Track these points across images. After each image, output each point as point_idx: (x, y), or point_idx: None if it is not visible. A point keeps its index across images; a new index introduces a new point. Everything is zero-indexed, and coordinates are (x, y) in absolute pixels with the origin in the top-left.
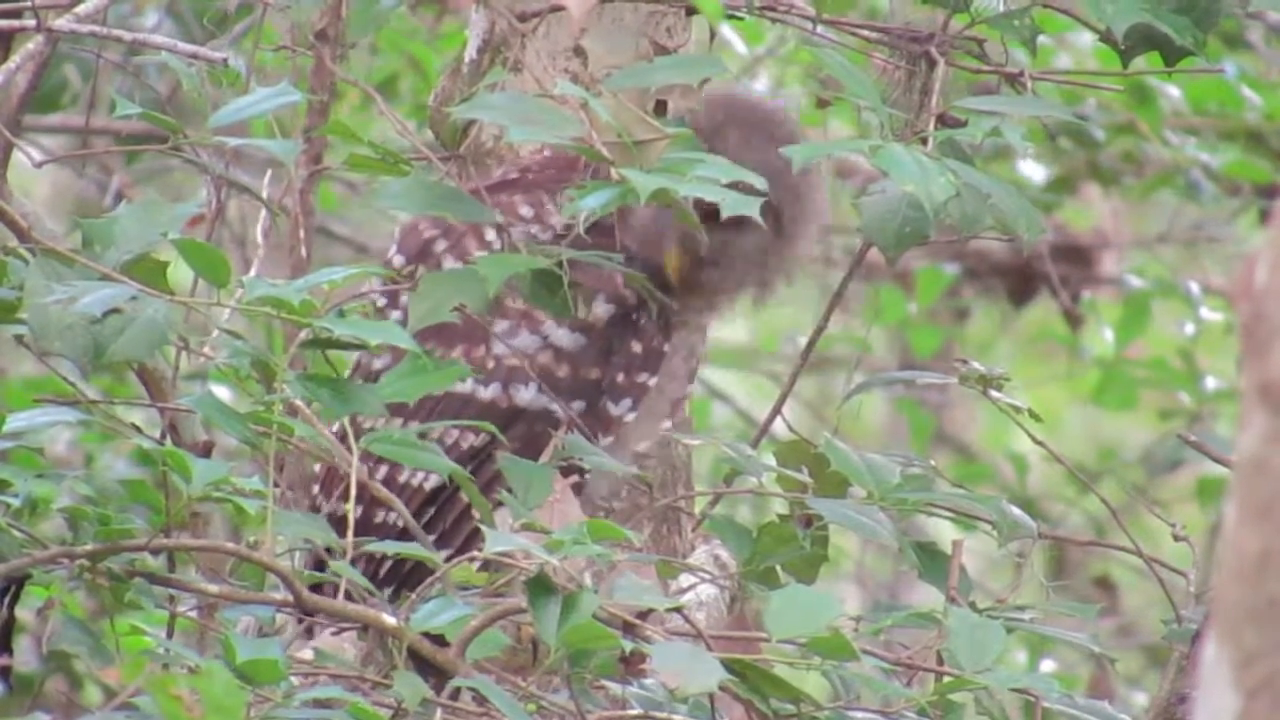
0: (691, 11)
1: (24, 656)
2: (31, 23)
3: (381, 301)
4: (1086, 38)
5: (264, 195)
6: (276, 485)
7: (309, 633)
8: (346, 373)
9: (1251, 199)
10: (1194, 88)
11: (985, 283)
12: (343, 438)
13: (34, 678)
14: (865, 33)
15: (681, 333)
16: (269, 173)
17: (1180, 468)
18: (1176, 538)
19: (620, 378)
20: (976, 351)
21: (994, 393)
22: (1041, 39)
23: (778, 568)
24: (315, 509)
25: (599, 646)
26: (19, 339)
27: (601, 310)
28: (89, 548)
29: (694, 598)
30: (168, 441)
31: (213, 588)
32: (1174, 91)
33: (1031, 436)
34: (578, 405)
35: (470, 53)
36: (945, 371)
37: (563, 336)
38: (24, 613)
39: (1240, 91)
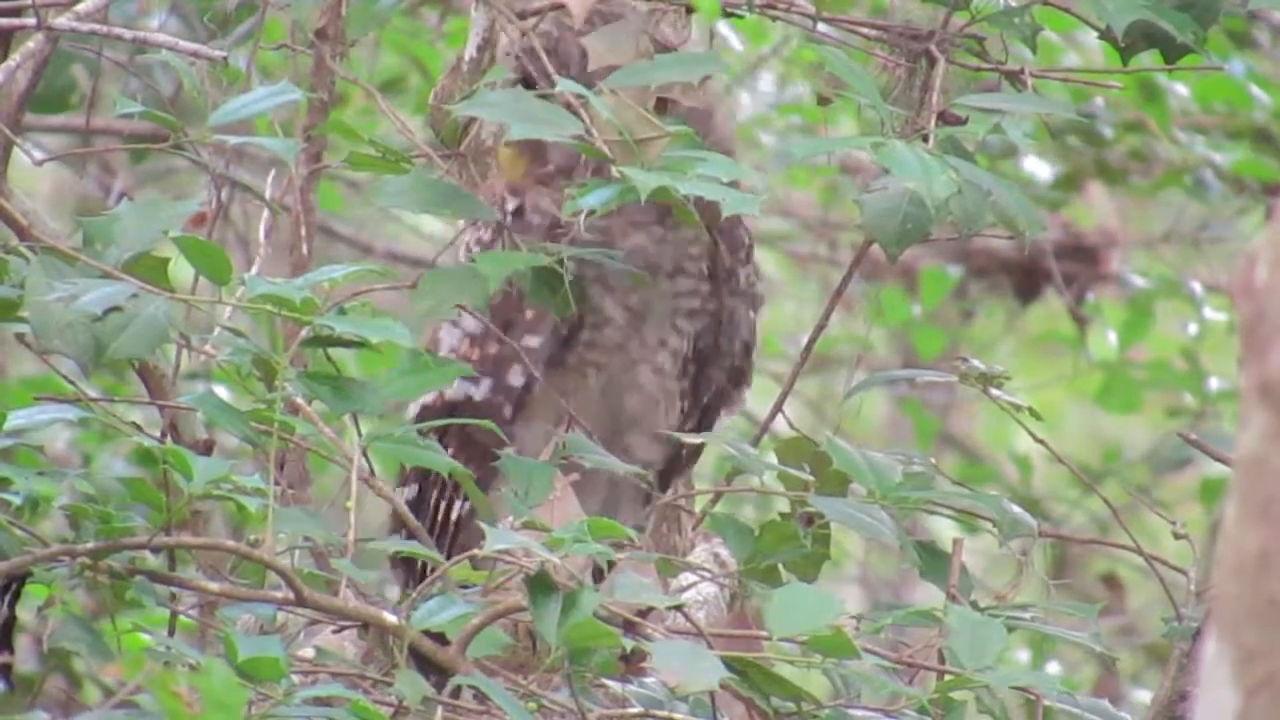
0: (692, 10)
1: (23, 656)
2: (32, 21)
3: None
4: (1095, 36)
5: (266, 194)
6: (277, 483)
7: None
8: None
9: (1259, 197)
10: (1201, 86)
11: (992, 280)
12: None
13: (34, 677)
14: (866, 30)
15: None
16: (273, 171)
17: (1187, 467)
18: (1177, 535)
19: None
20: (980, 351)
21: (994, 391)
22: (1050, 38)
23: (778, 566)
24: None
25: (600, 645)
26: (20, 337)
27: None
28: (90, 546)
29: (695, 595)
30: (168, 440)
31: (213, 586)
32: (1181, 89)
33: (1033, 435)
34: (485, 384)
35: (470, 51)
36: (948, 372)
37: (468, 320)
38: (24, 612)
39: (1248, 90)
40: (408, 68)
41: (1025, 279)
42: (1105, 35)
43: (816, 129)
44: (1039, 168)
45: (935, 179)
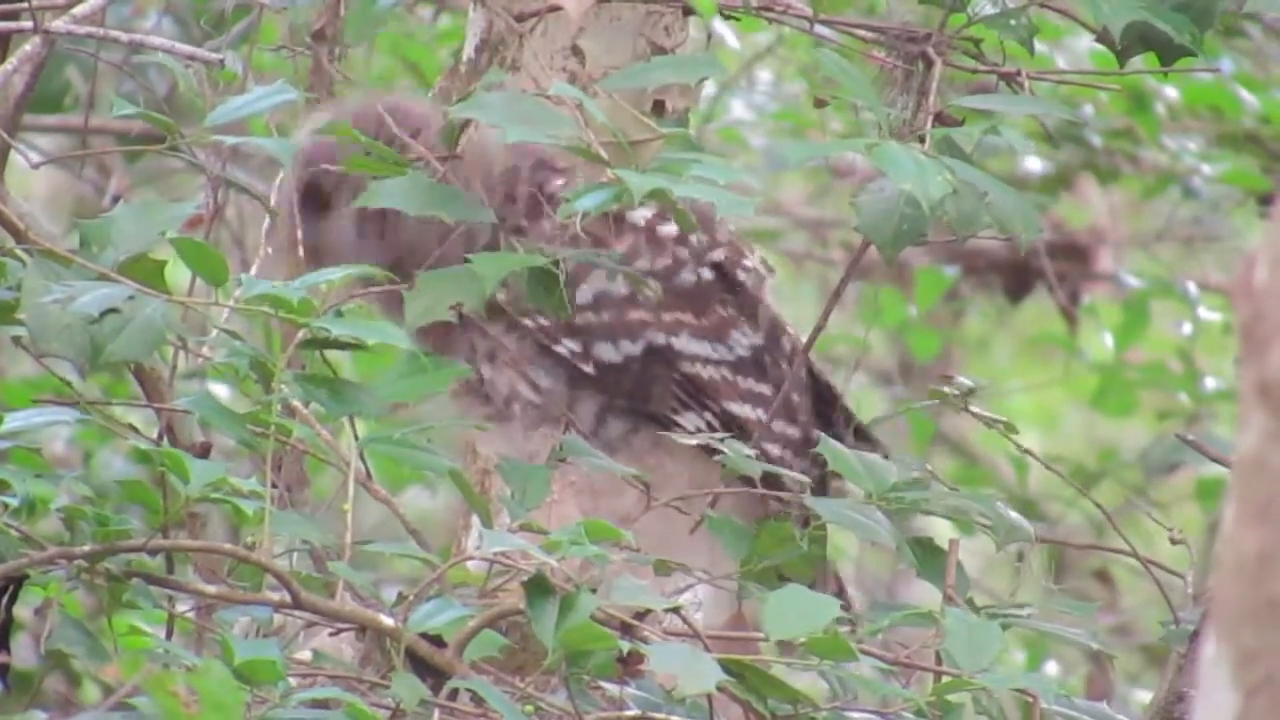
0: (689, 11)
1: (23, 653)
2: (29, 24)
3: None
4: (1083, 43)
5: (264, 195)
6: (274, 485)
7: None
8: None
9: (1247, 197)
10: (1190, 89)
11: (982, 278)
12: None
13: (32, 674)
14: (862, 32)
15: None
16: (280, 175)
17: (1178, 469)
18: (1174, 541)
19: None
20: (974, 352)
21: (978, 409)
22: (1038, 46)
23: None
24: None
25: (597, 648)
26: (17, 340)
27: None
28: (86, 549)
29: (692, 596)
30: (165, 441)
31: (210, 589)
32: (1171, 92)
33: (1018, 446)
34: None
35: (468, 51)
36: (942, 377)
37: None
38: (23, 609)
39: (1237, 93)
40: (401, 68)
41: (1016, 277)
42: (1102, 38)
43: (806, 132)
44: (1030, 164)
45: (931, 181)
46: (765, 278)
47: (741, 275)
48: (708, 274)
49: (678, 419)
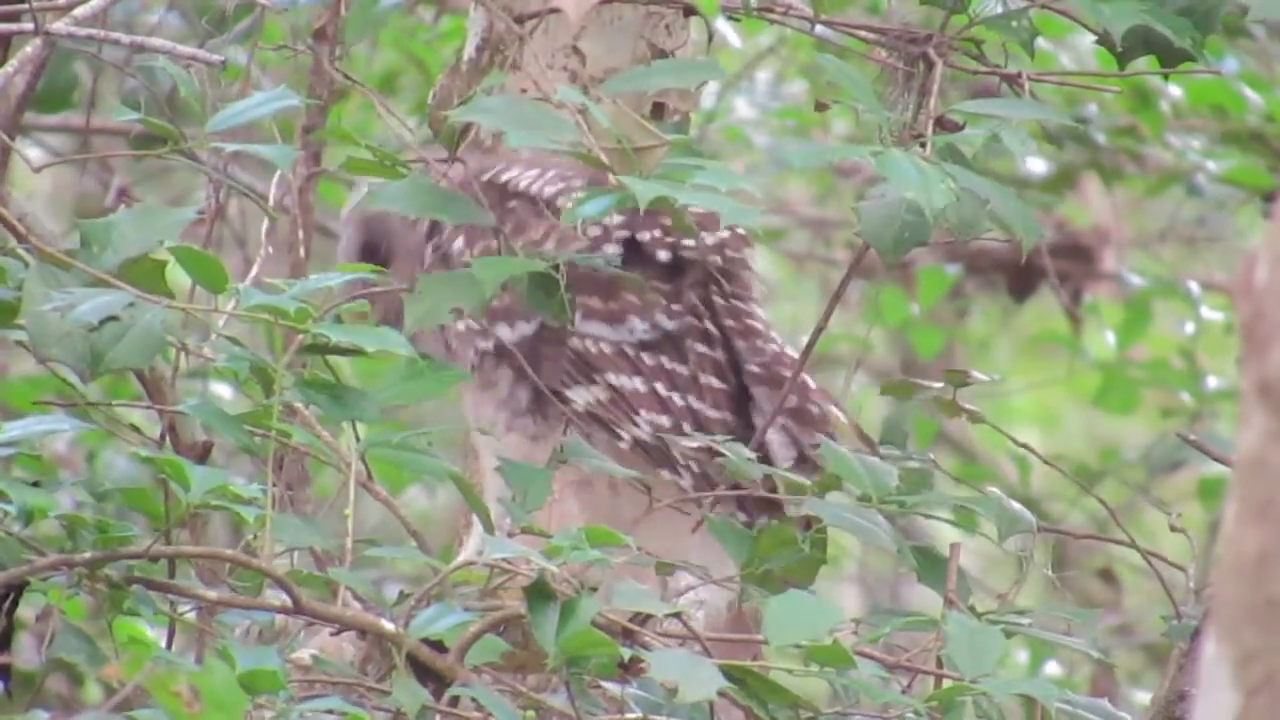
0: (689, 12)
1: (25, 653)
2: (29, 26)
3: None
4: (1087, 40)
5: (265, 197)
6: (275, 485)
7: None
8: None
9: (1251, 197)
10: (1194, 87)
11: (986, 277)
12: None
13: (34, 674)
14: (863, 33)
15: None
16: (277, 175)
17: (1180, 468)
18: (1174, 528)
19: None
20: (976, 351)
21: (967, 402)
22: (1041, 44)
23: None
24: None
25: (598, 653)
26: (20, 342)
27: None
28: (87, 555)
29: (693, 598)
30: (167, 442)
31: (211, 594)
32: (1175, 90)
33: (1015, 441)
34: None
35: (469, 51)
36: (949, 373)
37: None
38: (25, 609)
39: (1241, 92)
40: (404, 64)
41: (1019, 277)
42: (1103, 40)
43: (810, 130)
44: (1034, 164)
45: (934, 188)
46: (715, 256)
47: (664, 254)
48: (613, 249)
49: (568, 393)
